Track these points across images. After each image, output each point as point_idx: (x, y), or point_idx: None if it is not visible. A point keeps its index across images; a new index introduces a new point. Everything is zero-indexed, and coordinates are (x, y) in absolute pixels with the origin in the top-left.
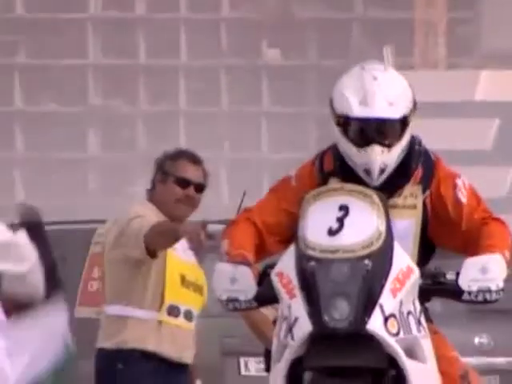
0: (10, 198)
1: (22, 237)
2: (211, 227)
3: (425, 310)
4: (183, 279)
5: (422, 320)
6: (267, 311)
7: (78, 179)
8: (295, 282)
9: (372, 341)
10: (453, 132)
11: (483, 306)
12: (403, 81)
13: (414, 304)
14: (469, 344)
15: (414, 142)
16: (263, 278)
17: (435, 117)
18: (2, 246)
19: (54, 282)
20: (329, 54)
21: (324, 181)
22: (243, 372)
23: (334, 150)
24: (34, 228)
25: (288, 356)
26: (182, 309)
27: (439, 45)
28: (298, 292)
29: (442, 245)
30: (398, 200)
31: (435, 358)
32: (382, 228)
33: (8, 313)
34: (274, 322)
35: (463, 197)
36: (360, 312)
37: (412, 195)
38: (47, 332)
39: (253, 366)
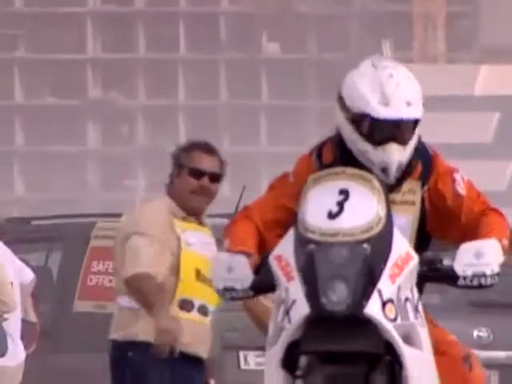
0: (10, 191)
1: None
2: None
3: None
4: (198, 273)
5: (420, 307)
6: (270, 304)
7: (77, 173)
8: (293, 264)
9: (369, 326)
10: (452, 126)
11: (482, 299)
12: (412, 77)
13: (411, 291)
14: (468, 337)
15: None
16: (261, 268)
17: (435, 111)
18: None
19: None
20: (328, 48)
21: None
22: (243, 366)
23: (333, 142)
24: None
25: (284, 339)
26: (196, 303)
27: (438, 39)
28: (296, 275)
29: (441, 237)
30: (396, 196)
31: (434, 343)
32: (382, 213)
33: None
34: None
35: (462, 190)
36: (358, 296)
37: (410, 191)
38: None
39: (252, 360)
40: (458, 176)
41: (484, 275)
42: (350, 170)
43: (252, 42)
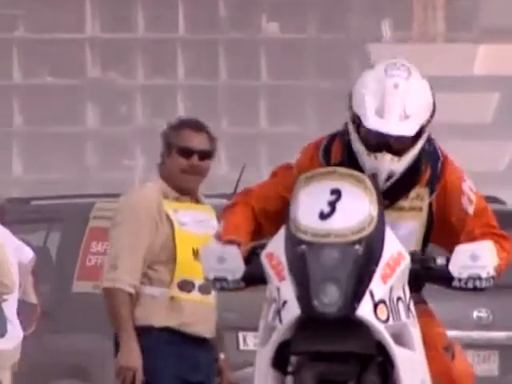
0: (8, 172)
1: None
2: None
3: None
4: (196, 253)
5: (411, 306)
6: None
7: (75, 153)
8: (285, 264)
9: (361, 327)
10: (452, 106)
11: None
12: (425, 88)
13: (403, 290)
14: (467, 318)
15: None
16: (251, 258)
17: (434, 91)
18: None
19: None
20: (328, 28)
21: None
22: (242, 347)
23: (343, 139)
24: None
25: (275, 339)
26: (197, 283)
27: (438, 19)
28: (287, 275)
29: (435, 243)
30: (404, 202)
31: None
32: (374, 213)
33: None
34: None
35: (470, 206)
36: (349, 297)
37: (418, 197)
38: None
39: (251, 341)
40: (465, 186)
41: (479, 278)
42: (343, 170)
43: (251, 21)
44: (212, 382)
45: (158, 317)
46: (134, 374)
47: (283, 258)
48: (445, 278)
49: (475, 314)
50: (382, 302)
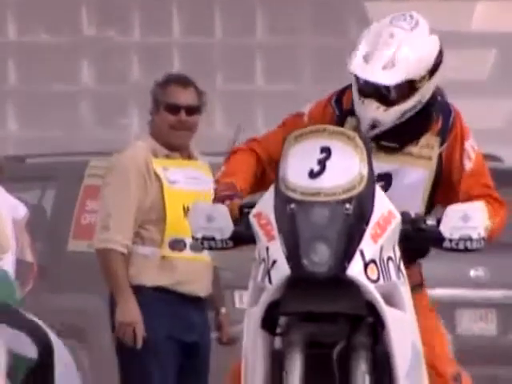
0: (3, 130)
1: None
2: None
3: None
4: (187, 210)
5: (402, 266)
6: None
7: (71, 111)
8: (274, 224)
9: (351, 287)
10: (448, 62)
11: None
12: (428, 44)
13: (394, 250)
14: (464, 277)
15: (436, 92)
16: (241, 217)
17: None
18: None
19: None
20: None
21: (341, 120)
22: (238, 305)
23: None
24: None
25: (264, 299)
26: (188, 241)
27: None
28: (276, 234)
29: (439, 201)
30: (413, 148)
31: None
32: (365, 172)
33: None
34: None
35: (468, 163)
36: (340, 257)
37: (428, 146)
38: None
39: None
40: (468, 145)
41: (470, 239)
42: (333, 128)
43: None
44: (207, 342)
45: (149, 276)
46: (134, 329)
47: (272, 218)
48: (435, 239)
49: (472, 272)
50: (373, 261)
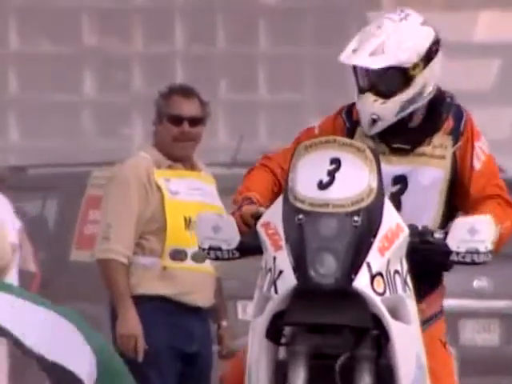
0: (5, 140)
1: None
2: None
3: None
4: (188, 221)
5: (408, 280)
6: None
7: (73, 121)
8: (282, 234)
9: (357, 299)
10: (452, 73)
11: None
12: (420, 33)
13: (401, 263)
14: (467, 287)
15: (444, 95)
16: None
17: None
18: None
19: None
20: None
21: (351, 131)
22: (240, 316)
23: None
24: None
25: (270, 309)
26: (189, 252)
27: None
28: (283, 244)
29: (457, 206)
30: (426, 149)
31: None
32: (374, 184)
33: None
34: None
35: (478, 163)
36: (346, 269)
37: (441, 146)
38: None
39: (251, 310)
40: (478, 146)
41: (477, 252)
42: (343, 140)
43: None
44: (208, 353)
45: (150, 286)
46: (135, 341)
47: (280, 228)
48: (442, 252)
49: (475, 282)
50: (379, 274)
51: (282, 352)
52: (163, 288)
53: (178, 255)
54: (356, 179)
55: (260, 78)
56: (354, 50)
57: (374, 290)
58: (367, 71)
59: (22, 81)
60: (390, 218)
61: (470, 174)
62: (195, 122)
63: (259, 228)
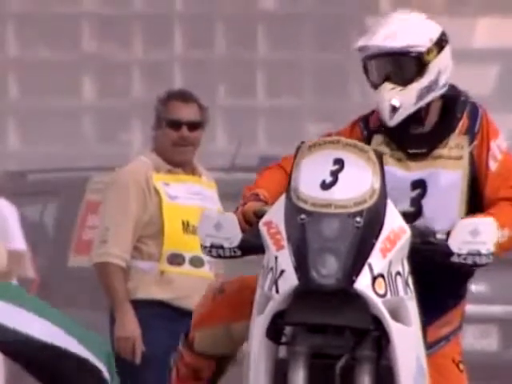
0: (4, 145)
1: None
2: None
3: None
4: (186, 225)
5: (410, 281)
6: None
7: (72, 127)
8: (284, 233)
9: (358, 300)
10: (451, 79)
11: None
12: (428, 24)
13: (402, 264)
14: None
15: (459, 94)
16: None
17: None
18: None
19: None
20: (326, 0)
21: (368, 139)
22: None
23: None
24: None
25: (271, 309)
26: (187, 256)
27: None
28: (285, 244)
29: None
30: (442, 151)
31: None
32: (377, 185)
33: None
34: None
35: (493, 163)
36: (348, 270)
37: (458, 146)
38: None
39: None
40: (494, 145)
41: (479, 254)
42: (346, 140)
43: None
44: None
45: (148, 291)
46: (133, 343)
47: (282, 227)
48: (444, 253)
49: (474, 287)
50: (381, 275)
51: (283, 351)
52: (161, 292)
53: (176, 259)
54: (359, 180)
55: (259, 84)
56: (367, 39)
57: (375, 292)
58: (383, 60)
59: (21, 86)
60: (393, 219)
61: (486, 174)
62: (194, 126)
63: (261, 226)
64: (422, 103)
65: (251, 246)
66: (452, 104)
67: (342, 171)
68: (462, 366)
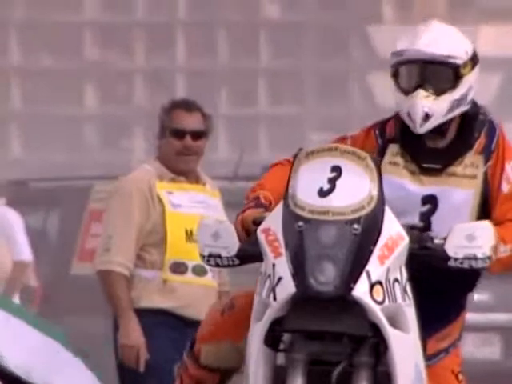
0: (7, 153)
1: None
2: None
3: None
4: (190, 234)
5: (408, 288)
6: None
7: (75, 135)
8: (281, 240)
9: (355, 306)
10: None
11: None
12: (460, 35)
13: (400, 271)
14: (469, 300)
15: (478, 111)
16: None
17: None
18: None
19: None
20: (327, 9)
21: (382, 149)
22: None
23: (397, 117)
24: None
25: (269, 316)
26: (190, 264)
27: None
28: (283, 251)
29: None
30: (457, 168)
31: None
32: (375, 192)
33: None
34: None
35: (506, 185)
36: (346, 277)
37: (473, 165)
38: None
39: None
40: (509, 167)
41: (475, 258)
42: (344, 147)
43: (251, 3)
44: None
45: (151, 299)
46: (137, 351)
47: (280, 234)
48: (440, 258)
49: (476, 296)
50: (379, 282)
51: (281, 358)
52: (164, 301)
53: (179, 268)
54: (357, 187)
55: (261, 92)
56: (408, 43)
57: (373, 299)
58: (420, 67)
59: (23, 94)
60: (391, 226)
61: (497, 196)
62: (198, 135)
63: (259, 233)
64: (451, 116)
65: (249, 254)
66: (470, 122)
67: (340, 178)
68: (461, 377)
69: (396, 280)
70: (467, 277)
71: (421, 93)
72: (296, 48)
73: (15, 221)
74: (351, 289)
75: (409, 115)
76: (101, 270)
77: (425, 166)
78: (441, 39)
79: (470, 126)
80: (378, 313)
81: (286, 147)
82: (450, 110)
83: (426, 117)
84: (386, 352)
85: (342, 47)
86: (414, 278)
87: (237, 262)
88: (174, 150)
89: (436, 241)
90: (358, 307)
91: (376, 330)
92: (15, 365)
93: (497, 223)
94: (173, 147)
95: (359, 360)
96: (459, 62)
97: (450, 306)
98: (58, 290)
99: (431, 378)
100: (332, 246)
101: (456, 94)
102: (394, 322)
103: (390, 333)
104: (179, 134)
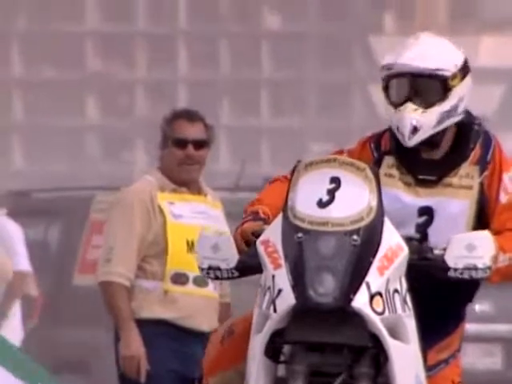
0: (8, 164)
1: None
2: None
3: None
4: (191, 245)
5: (408, 298)
6: None
7: (77, 146)
8: (281, 252)
9: (355, 317)
10: None
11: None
12: (452, 48)
13: (400, 282)
14: (470, 311)
15: (473, 122)
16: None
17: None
18: None
19: None
20: (329, 20)
21: (378, 162)
22: None
23: (391, 130)
24: None
25: (269, 328)
26: (191, 275)
27: (440, 9)
28: (283, 263)
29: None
30: (452, 179)
31: None
32: (374, 203)
33: None
34: None
35: (504, 196)
36: (345, 288)
37: (468, 176)
38: None
39: None
40: (506, 177)
41: (475, 268)
42: (343, 159)
43: (252, 13)
44: None
45: (152, 310)
46: (138, 362)
47: (279, 246)
48: (440, 268)
49: (478, 306)
50: (378, 293)
51: (281, 370)
52: (165, 312)
53: (180, 278)
54: (356, 198)
55: (263, 103)
56: (395, 58)
57: (373, 310)
58: (408, 80)
59: (25, 105)
60: (390, 237)
61: (495, 206)
62: (200, 145)
63: (258, 245)
64: (440, 128)
65: (248, 266)
66: (466, 132)
67: (339, 189)
68: None
69: (396, 291)
70: (466, 287)
71: (409, 106)
72: (298, 59)
73: (15, 232)
74: (351, 300)
75: (397, 128)
76: (102, 281)
77: (420, 177)
78: (428, 52)
79: (465, 137)
80: (377, 323)
81: (288, 158)
82: (440, 121)
83: (415, 130)
84: (386, 363)
85: (344, 58)
86: (413, 289)
87: (236, 274)
88: (176, 160)
89: (435, 251)
90: (357, 318)
91: (376, 340)
92: None
93: (495, 233)
94: (175, 157)
95: (359, 371)
96: (447, 74)
97: (450, 317)
98: (60, 300)
99: None
100: (331, 257)
101: (445, 105)
102: (394, 333)
103: (390, 343)
104: (181, 143)
